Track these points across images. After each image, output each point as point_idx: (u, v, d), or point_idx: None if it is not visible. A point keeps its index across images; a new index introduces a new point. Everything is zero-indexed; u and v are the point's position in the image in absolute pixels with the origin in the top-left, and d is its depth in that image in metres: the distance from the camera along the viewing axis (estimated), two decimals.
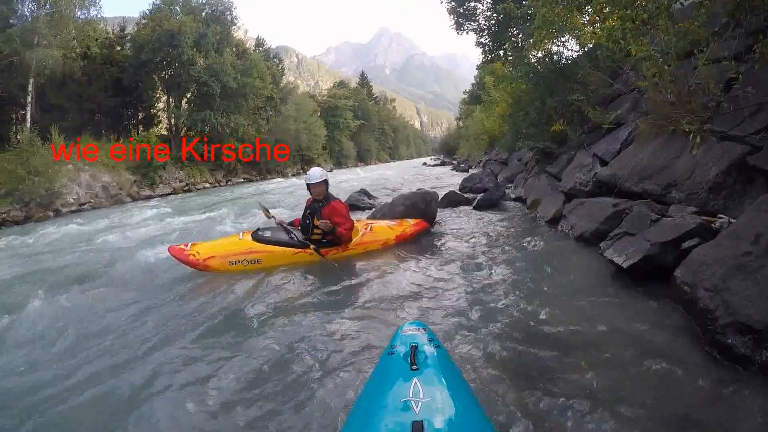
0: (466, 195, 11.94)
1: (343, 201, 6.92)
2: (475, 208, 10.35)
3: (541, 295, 4.60)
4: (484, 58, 22.71)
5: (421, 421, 1.70)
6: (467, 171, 23.95)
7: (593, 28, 7.85)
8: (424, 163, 51.19)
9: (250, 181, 43.72)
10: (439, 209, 9.25)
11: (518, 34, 17.71)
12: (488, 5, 20.70)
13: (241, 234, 6.70)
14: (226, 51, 42.86)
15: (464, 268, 5.88)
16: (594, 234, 5.95)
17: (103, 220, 16.21)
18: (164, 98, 42.63)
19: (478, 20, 21.34)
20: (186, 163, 37.86)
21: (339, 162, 77.48)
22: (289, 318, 4.58)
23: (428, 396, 1.93)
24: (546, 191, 9.22)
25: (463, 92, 61.60)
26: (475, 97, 42.94)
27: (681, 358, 3.10)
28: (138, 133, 35.96)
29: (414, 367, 2.18)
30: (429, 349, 2.44)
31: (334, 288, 5.43)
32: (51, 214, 22.74)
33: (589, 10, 8.07)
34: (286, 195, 21.18)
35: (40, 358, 4.11)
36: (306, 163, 62.69)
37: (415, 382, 2.01)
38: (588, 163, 8.30)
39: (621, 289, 4.41)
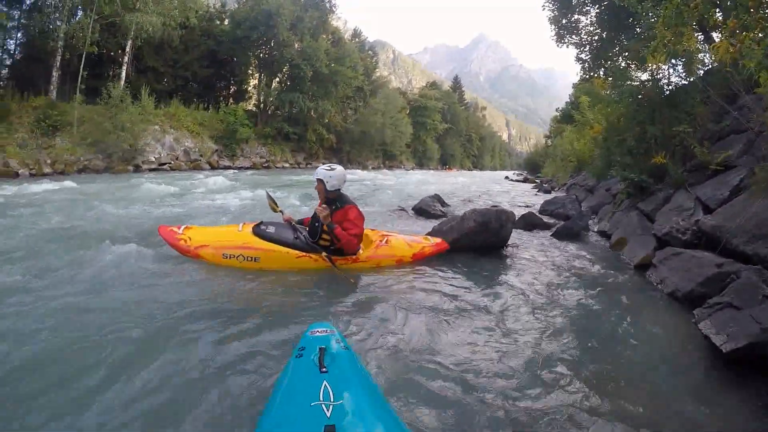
0: (545, 219, 10.61)
1: (359, 208, 5.76)
2: (553, 235, 9.05)
3: (607, 358, 3.66)
4: (582, 74, 21.46)
5: (333, 424, 1.70)
6: (549, 192, 22.03)
7: (727, 40, 6.50)
8: (507, 177, 48.76)
9: None
10: (514, 230, 8.12)
11: (621, 52, 16.50)
12: (593, 19, 19.52)
13: (241, 225, 5.84)
14: (321, 37, 43.44)
15: (521, 300, 4.97)
16: (688, 295, 4.86)
17: (171, 184, 16.22)
18: (256, 75, 43.91)
19: (580, 34, 20.18)
20: (269, 141, 38.76)
21: (421, 162, 76.58)
22: (265, 325, 3.83)
23: (339, 398, 1.90)
24: (635, 231, 7.87)
25: (556, 110, 58.64)
26: (567, 117, 40.51)
27: None
28: (227, 105, 37.26)
29: (323, 369, 2.13)
30: (338, 350, 2.40)
31: (339, 303, 4.57)
32: (131, 168, 23.84)
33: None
34: (360, 190, 18.80)
35: None
36: (388, 158, 62.71)
37: (325, 385, 1.97)
38: (689, 207, 7.00)
39: (719, 376, 3.38)
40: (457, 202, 14.71)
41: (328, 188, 5.52)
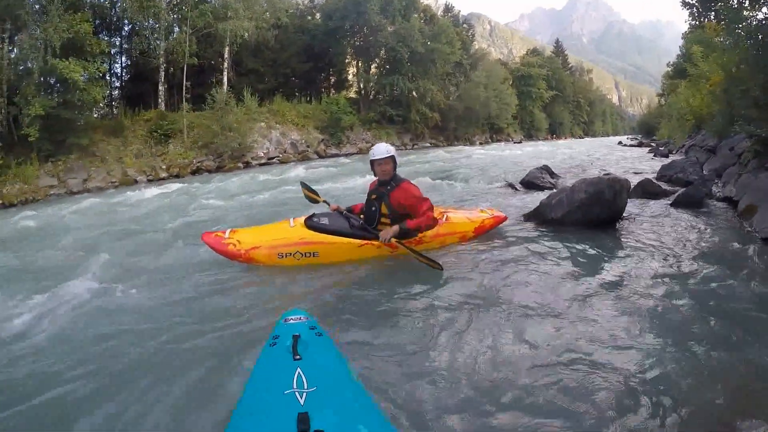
0: (663, 186, 9.69)
1: (414, 183, 5.41)
2: (672, 204, 8.19)
3: (727, 360, 3.03)
4: (691, 21, 19.28)
5: (306, 411, 1.69)
6: (667, 156, 20.00)
7: None
8: (620, 143, 45.87)
9: (436, 146, 43.11)
10: (629, 200, 7.44)
11: None
12: None
13: (292, 220, 5.48)
14: (413, 17, 42.93)
15: (623, 284, 4.37)
16: None
17: (271, 175, 17.48)
18: (354, 63, 44.39)
19: None
20: (373, 125, 39.06)
21: (530, 134, 73.59)
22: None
23: (313, 385, 1.91)
24: (766, 196, 6.78)
25: (667, 65, 54.86)
26: (680, 71, 37.52)
27: None
28: (329, 96, 38.37)
29: (297, 356, 2.17)
30: (312, 337, 2.44)
31: (423, 291, 4.34)
32: (241, 165, 24.89)
33: None
34: (468, 165, 18.81)
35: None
36: (495, 132, 61.41)
37: (299, 373, 1.98)
38: None
39: None
40: (567, 172, 13.97)
41: (396, 164, 5.28)
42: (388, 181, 5.22)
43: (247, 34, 29.14)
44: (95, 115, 24.03)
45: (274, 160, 27.27)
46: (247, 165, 25.07)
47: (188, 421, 2.52)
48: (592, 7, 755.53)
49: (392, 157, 5.16)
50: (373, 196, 5.32)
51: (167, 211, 9.80)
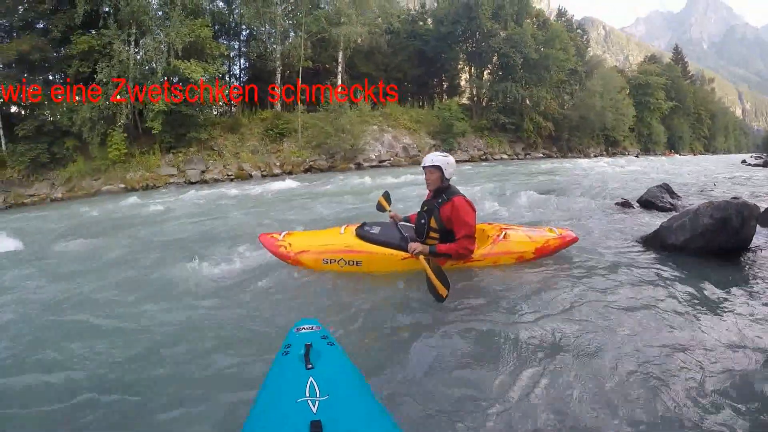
0: None
1: (468, 199, 4.95)
2: None
3: None
4: None
5: (319, 420, 1.70)
6: None
7: None
8: (744, 161, 42.86)
9: (549, 157, 42.00)
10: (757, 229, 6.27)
11: None
12: None
13: (343, 228, 5.49)
14: (526, 22, 42.33)
15: (746, 326, 3.63)
16: None
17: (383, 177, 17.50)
18: (466, 69, 44.12)
19: None
20: (485, 133, 38.49)
21: (647, 148, 69.59)
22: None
23: (325, 394, 1.90)
24: None
25: None
26: None
27: None
28: (441, 101, 38.12)
29: (309, 365, 2.14)
30: (324, 347, 2.41)
31: (444, 312, 4.02)
32: (352, 166, 25.57)
33: None
34: (583, 180, 17.25)
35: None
36: (611, 144, 58.93)
37: (311, 381, 1.97)
38: None
39: None
40: (688, 192, 12.68)
41: (446, 176, 4.96)
42: (440, 194, 4.96)
43: (360, 39, 30.20)
44: (214, 113, 25.72)
45: (385, 163, 27.75)
46: (359, 166, 25.73)
47: (200, 427, 2.55)
48: (711, 9, 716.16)
49: (438, 167, 4.91)
50: (425, 208, 5.11)
51: (270, 206, 10.20)
